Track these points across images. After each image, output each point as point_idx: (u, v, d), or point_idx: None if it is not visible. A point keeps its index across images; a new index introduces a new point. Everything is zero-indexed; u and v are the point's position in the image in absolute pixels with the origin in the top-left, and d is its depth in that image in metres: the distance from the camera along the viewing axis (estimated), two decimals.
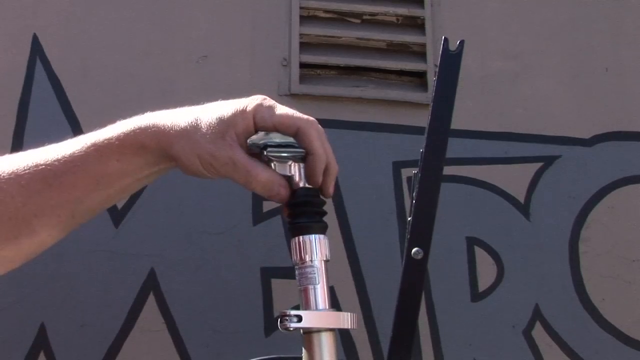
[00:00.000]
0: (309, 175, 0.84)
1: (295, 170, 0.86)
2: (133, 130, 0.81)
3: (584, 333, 2.25)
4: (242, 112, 0.79)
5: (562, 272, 2.29)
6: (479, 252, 2.26)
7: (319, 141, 0.83)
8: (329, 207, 2.17)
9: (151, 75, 2.21)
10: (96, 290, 2.06)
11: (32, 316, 2.02)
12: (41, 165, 0.79)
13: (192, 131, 0.79)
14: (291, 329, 0.79)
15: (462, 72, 0.98)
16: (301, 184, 0.85)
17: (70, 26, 2.20)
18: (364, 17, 2.38)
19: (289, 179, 0.86)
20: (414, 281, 0.95)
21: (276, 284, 2.14)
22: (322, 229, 0.84)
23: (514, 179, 2.33)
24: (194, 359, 2.07)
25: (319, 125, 0.85)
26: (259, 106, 0.80)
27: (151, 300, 2.09)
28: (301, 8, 2.32)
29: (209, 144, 0.78)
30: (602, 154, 2.38)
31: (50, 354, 2.01)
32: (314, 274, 0.82)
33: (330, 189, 0.86)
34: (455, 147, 2.27)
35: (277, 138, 0.86)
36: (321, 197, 0.85)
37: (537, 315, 2.25)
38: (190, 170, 0.81)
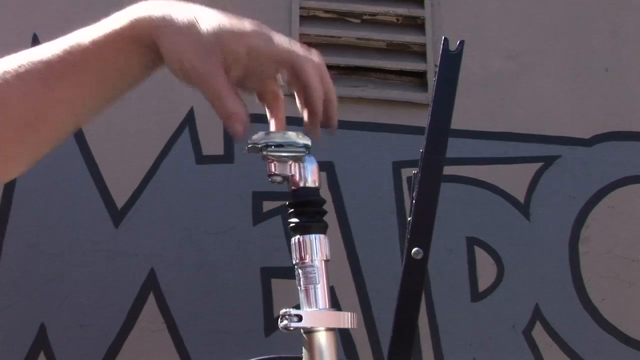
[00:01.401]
0: (309, 111, 0.82)
1: (295, 170, 0.85)
2: (128, 21, 0.77)
3: (584, 333, 2.25)
4: (238, 36, 0.76)
5: (562, 272, 2.29)
6: (479, 252, 2.26)
7: (316, 76, 0.81)
8: (329, 207, 2.18)
9: (151, 75, 2.21)
10: (96, 290, 2.06)
11: (32, 316, 2.02)
12: (40, 64, 0.77)
13: (184, 32, 0.76)
14: (291, 328, 0.79)
15: (462, 72, 0.98)
16: (301, 184, 0.85)
17: (70, 26, 2.20)
18: (364, 17, 2.38)
19: (289, 178, 0.86)
20: (414, 281, 0.95)
21: (276, 284, 2.14)
22: (322, 229, 0.84)
23: (514, 179, 2.33)
24: (194, 359, 2.07)
25: (318, 59, 0.83)
26: (256, 34, 0.78)
27: (151, 300, 2.09)
28: (301, 8, 2.32)
29: (194, 53, 0.75)
30: (602, 154, 2.38)
31: (50, 354, 2.01)
32: (314, 273, 0.81)
33: (334, 119, 0.84)
34: (455, 147, 2.27)
35: (277, 138, 0.85)
36: (328, 131, 0.83)
37: (537, 315, 2.24)
38: (171, 70, 0.80)
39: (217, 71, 0.76)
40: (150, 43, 0.78)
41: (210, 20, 0.78)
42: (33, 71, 0.77)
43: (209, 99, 0.79)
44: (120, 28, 0.78)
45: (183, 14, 0.77)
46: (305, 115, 0.84)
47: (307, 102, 0.81)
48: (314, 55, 0.81)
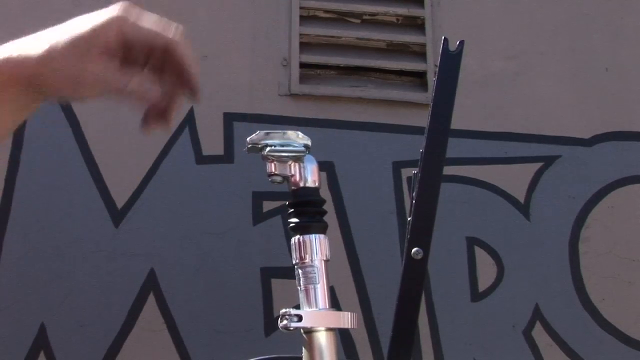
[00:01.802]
0: (187, 87, 0.80)
1: (295, 170, 0.85)
2: (9, 70, 0.73)
3: (584, 333, 2.25)
4: (104, 28, 0.74)
5: (562, 272, 2.29)
6: (479, 252, 2.26)
7: (187, 52, 0.80)
8: (329, 207, 2.18)
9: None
10: (96, 290, 2.06)
11: (32, 316, 2.02)
12: None
13: (54, 57, 0.73)
14: (291, 328, 0.79)
15: (462, 72, 0.98)
16: (301, 184, 0.85)
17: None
18: (364, 17, 2.38)
19: (289, 178, 0.86)
20: (414, 281, 0.95)
21: (276, 284, 2.14)
22: (322, 229, 0.84)
23: (514, 179, 2.33)
24: (194, 359, 2.07)
25: (180, 34, 0.81)
26: (123, 20, 0.76)
27: (151, 300, 2.09)
28: (301, 8, 2.32)
29: (72, 68, 0.73)
30: (602, 154, 2.38)
31: (50, 354, 2.01)
32: (314, 273, 0.81)
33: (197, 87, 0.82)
34: (455, 147, 2.27)
35: (277, 138, 0.85)
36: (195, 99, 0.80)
37: (537, 315, 2.24)
38: (62, 98, 0.79)
39: (100, 66, 0.74)
40: (21, 83, 0.76)
41: (69, 30, 0.76)
42: None
43: (117, 94, 0.77)
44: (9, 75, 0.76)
45: (44, 42, 0.75)
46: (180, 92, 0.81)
47: (183, 80, 0.79)
48: (176, 32, 0.80)
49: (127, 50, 0.76)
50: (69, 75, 0.74)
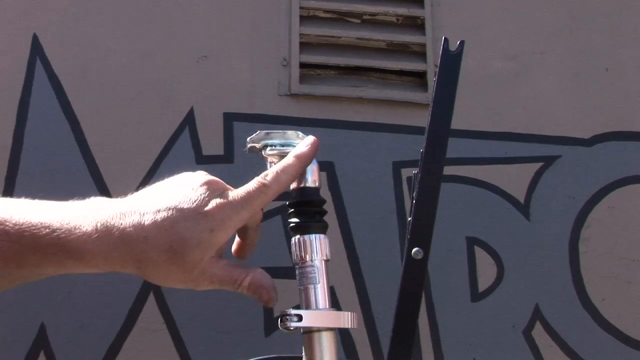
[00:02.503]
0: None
1: None
2: (91, 236, 0.69)
3: (584, 333, 2.25)
4: (209, 238, 0.71)
5: (562, 272, 2.29)
6: (479, 252, 2.26)
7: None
8: (329, 207, 2.18)
9: (151, 75, 2.21)
10: (96, 290, 2.06)
11: (32, 316, 2.02)
12: None
13: (168, 260, 0.70)
14: (291, 328, 0.79)
15: (462, 72, 0.98)
16: (301, 184, 0.85)
17: (70, 26, 2.20)
18: (364, 17, 2.38)
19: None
20: (414, 281, 0.95)
21: (276, 284, 2.14)
22: (322, 229, 0.84)
23: (514, 179, 2.33)
24: (194, 359, 2.07)
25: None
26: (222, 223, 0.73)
27: (151, 300, 2.09)
28: (301, 8, 2.32)
29: (184, 276, 0.72)
30: (602, 154, 2.38)
31: (50, 354, 2.01)
32: (314, 273, 0.82)
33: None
34: (455, 147, 2.27)
35: (277, 138, 0.86)
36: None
37: (537, 315, 2.24)
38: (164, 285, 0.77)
39: (213, 269, 0.74)
40: (121, 265, 0.73)
41: (179, 233, 0.71)
42: None
43: (230, 288, 0.77)
44: (77, 238, 0.72)
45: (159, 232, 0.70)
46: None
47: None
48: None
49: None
50: (181, 284, 0.72)
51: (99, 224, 0.67)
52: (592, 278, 2.29)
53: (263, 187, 0.74)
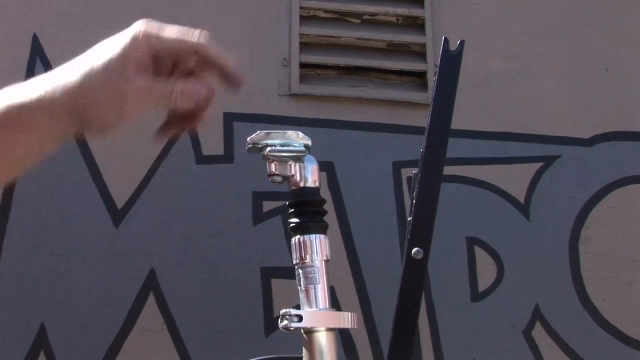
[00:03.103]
0: (227, 80, 0.81)
1: (295, 170, 0.85)
2: (43, 97, 0.75)
3: (584, 333, 2.25)
4: (132, 46, 0.75)
5: (562, 272, 2.29)
6: (479, 252, 2.26)
7: (218, 51, 0.81)
8: (329, 207, 2.18)
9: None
10: (96, 290, 2.06)
11: (32, 316, 2.02)
12: None
13: (92, 84, 0.74)
14: (292, 328, 0.79)
15: (462, 72, 0.98)
16: (301, 184, 0.85)
17: (70, 26, 2.20)
18: (364, 17, 2.38)
19: (289, 178, 0.86)
20: (414, 281, 0.95)
21: (276, 284, 2.14)
22: (322, 229, 0.84)
23: (514, 179, 2.33)
24: (194, 359, 2.07)
25: (204, 37, 0.82)
26: (147, 34, 0.76)
27: (151, 300, 2.09)
28: (301, 8, 2.32)
29: (113, 90, 0.74)
30: (602, 154, 2.38)
31: (50, 354, 2.01)
32: (315, 273, 0.81)
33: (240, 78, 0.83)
34: (455, 147, 2.27)
35: (277, 138, 0.85)
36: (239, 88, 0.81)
37: (537, 315, 2.24)
38: (99, 126, 0.79)
39: (141, 81, 0.75)
40: (66, 115, 0.77)
41: (100, 55, 0.76)
42: None
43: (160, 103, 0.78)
44: (36, 102, 0.76)
45: (83, 68, 0.75)
46: (224, 83, 0.83)
47: (223, 75, 0.81)
48: (200, 36, 0.82)
49: (156, 62, 0.77)
50: (112, 98, 0.76)
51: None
52: (592, 278, 2.29)
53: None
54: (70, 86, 0.74)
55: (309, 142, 0.87)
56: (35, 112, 0.76)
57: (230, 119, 2.22)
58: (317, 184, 0.86)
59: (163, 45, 0.77)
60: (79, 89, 0.74)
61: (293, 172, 0.86)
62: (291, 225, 0.85)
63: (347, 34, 2.34)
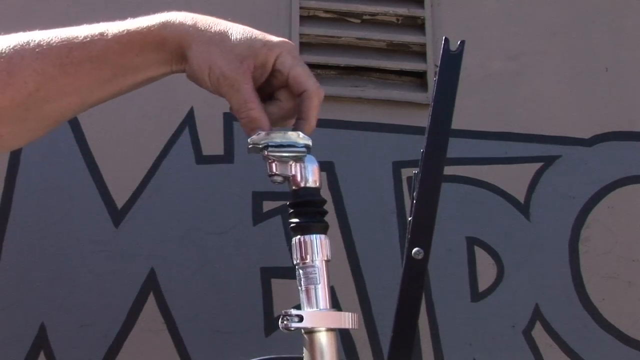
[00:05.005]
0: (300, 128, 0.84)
1: (296, 170, 0.86)
2: (158, 25, 0.80)
3: (584, 333, 2.25)
4: (268, 48, 0.79)
5: (562, 272, 2.29)
6: (479, 252, 2.26)
7: (317, 109, 0.85)
8: (329, 207, 2.18)
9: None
10: (96, 290, 2.06)
11: (32, 316, 2.02)
12: (60, 49, 0.77)
13: (215, 42, 0.79)
14: (292, 328, 0.79)
15: (463, 72, 0.98)
16: (302, 184, 0.85)
17: (70, 26, 2.20)
18: (364, 17, 2.38)
19: (290, 179, 0.86)
20: (414, 281, 0.95)
21: (276, 284, 2.14)
22: (323, 229, 0.84)
23: (514, 179, 2.33)
24: (194, 359, 2.07)
25: (322, 95, 0.86)
26: (285, 51, 0.81)
27: (151, 300, 2.09)
28: (301, 8, 2.32)
29: (226, 61, 0.78)
30: (602, 154, 2.38)
31: (50, 354, 2.01)
32: (315, 274, 0.82)
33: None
34: (455, 147, 2.27)
35: (277, 138, 0.86)
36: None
37: (537, 315, 2.25)
38: (195, 76, 0.82)
39: (246, 79, 0.79)
40: (175, 49, 0.80)
41: (240, 31, 0.81)
42: (52, 54, 0.77)
43: (235, 106, 0.82)
44: (148, 31, 0.80)
45: (214, 25, 0.81)
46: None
47: (298, 124, 0.85)
48: (321, 93, 0.84)
49: (276, 73, 0.82)
50: (216, 66, 0.78)
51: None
52: (592, 278, 2.29)
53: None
54: (193, 33, 0.79)
55: (309, 142, 0.88)
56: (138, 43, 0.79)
57: (230, 119, 2.22)
58: (317, 184, 0.87)
59: (290, 67, 0.80)
60: (206, 44, 0.78)
61: (293, 172, 0.87)
62: (292, 225, 0.85)
63: (347, 34, 2.34)
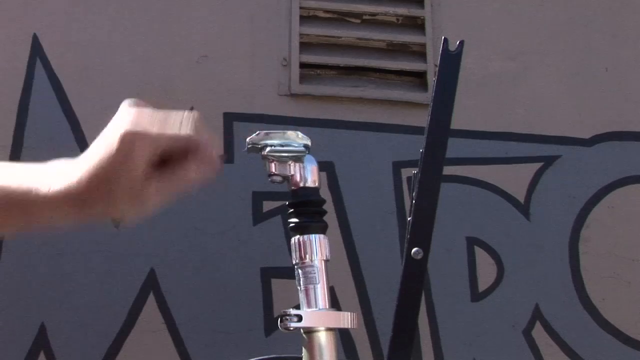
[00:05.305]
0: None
1: (295, 170, 0.85)
2: (66, 188, 0.72)
3: (584, 333, 2.25)
4: (123, 161, 0.71)
5: (562, 272, 2.29)
6: (479, 252, 2.26)
7: (209, 148, 0.79)
8: (329, 207, 2.18)
9: (151, 75, 2.21)
10: (96, 290, 2.06)
11: (32, 316, 2.02)
12: None
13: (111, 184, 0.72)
14: (292, 328, 0.79)
15: (462, 72, 0.98)
16: (301, 184, 0.85)
17: (70, 26, 2.20)
18: (364, 17, 2.38)
19: (289, 178, 0.86)
20: (414, 281, 0.95)
21: (276, 284, 2.14)
22: (322, 229, 0.84)
23: (514, 179, 2.33)
24: (194, 359, 2.07)
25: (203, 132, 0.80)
26: (138, 141, 0.74)
27: (151, 300, 2.09)
28: (301, 8, 2.32)
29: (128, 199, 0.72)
30: (602, 154, 2.38)
31: (50, 354, 2.01)
32: (314, 273, 0.82)
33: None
34: (455, 147, 2.27)
35: (277, 138, 0.86)
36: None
37: (537, 315, 2.24)
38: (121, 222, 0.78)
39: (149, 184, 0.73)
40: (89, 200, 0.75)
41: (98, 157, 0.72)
42: None
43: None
44: (62, 189, 0.74)
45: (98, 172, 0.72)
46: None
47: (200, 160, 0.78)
48: (190, 123, 0.79)
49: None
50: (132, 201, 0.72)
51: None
52: (592, 278, 2.29)
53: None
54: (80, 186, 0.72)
55: (309, 142, 0.87)
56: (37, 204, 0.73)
57: (230, 119, 2.22)
58: (316, 184, 0.86)
59: (155, 150, 0.74)
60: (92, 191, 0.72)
61: (293, 172, 0.86)
62: (291, 225, 0.85)
63: (347, 34, 2.34)
